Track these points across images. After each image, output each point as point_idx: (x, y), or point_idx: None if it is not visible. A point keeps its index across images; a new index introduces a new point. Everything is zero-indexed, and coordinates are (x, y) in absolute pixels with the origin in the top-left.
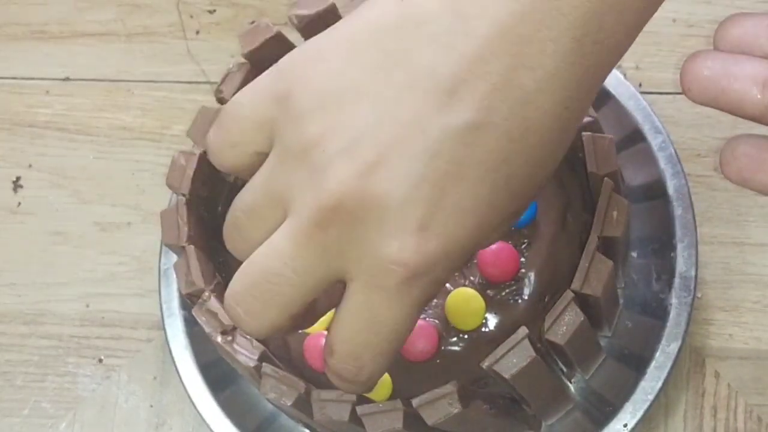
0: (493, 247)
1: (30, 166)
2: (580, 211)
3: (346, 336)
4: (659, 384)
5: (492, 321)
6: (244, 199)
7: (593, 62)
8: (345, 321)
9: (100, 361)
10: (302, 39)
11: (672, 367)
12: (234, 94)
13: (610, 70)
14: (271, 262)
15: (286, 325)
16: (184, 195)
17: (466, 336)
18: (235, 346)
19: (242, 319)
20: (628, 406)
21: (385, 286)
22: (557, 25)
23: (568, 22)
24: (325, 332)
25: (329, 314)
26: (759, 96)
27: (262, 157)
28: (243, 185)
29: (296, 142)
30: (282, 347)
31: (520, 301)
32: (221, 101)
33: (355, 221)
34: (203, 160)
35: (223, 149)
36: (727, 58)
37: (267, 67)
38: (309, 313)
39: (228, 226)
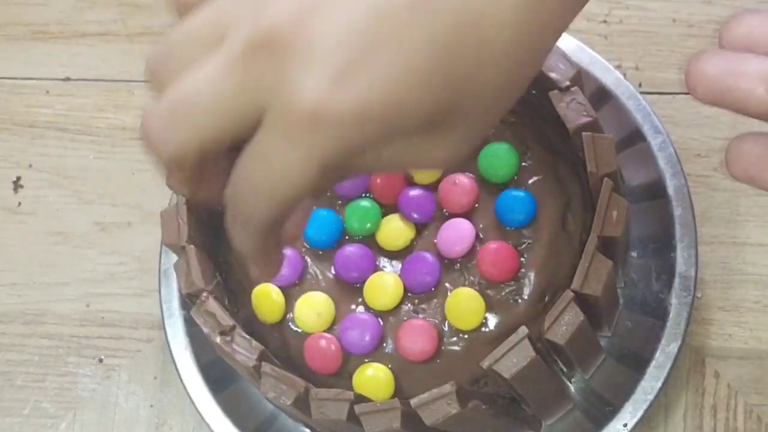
0: (493, 246)
1: (30, 166)
2: (580, 211)
3: (240, 165)
4: (659, 384)
5: (492, 321)
6: (185, 23)
7: None
8: (246, 152)
9: (101, 361)
10: None
11: (672, 367)
12: None
13: (574, 15)
14: (193, 83)
15: (192, 152)
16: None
17: (466, 336)
18: (234, 346)
19: (153, 134)
20: (628, 406)
21: (288, 127)
22: None
23: None
24: (326, 334)
25: (329, 315)
26: (763, 93)
27: None
28: None
29: None
30: (282, 347)
31: (520, 301)
32: None
33: (281, 55)
34: None
35: None
36: (732, 56)
37: None
38: (217, 167)
39: (158, 48)
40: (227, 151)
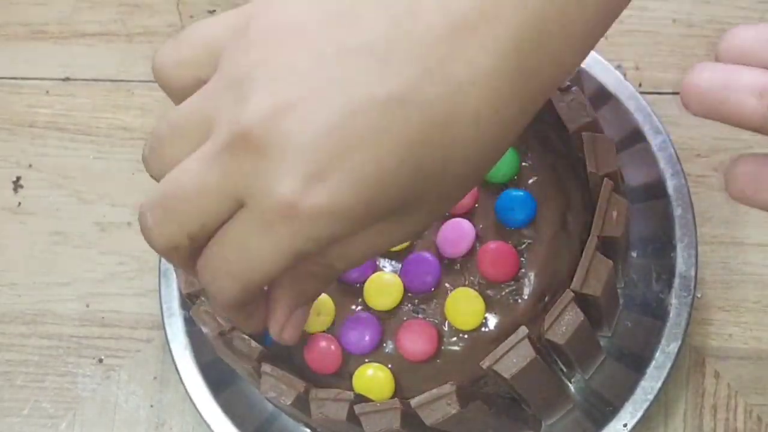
0: (493, 246)
1: (30, 166)
2: (580, 211)
3: (213, 246)
4: (659, 384)
5: (492, 321)
6: (172, 115)
7: (533, 71)
8: (219, 235)
9: (100, 361)
10: None
11: (672, 367)
12: None
13: (551, 88)
14: (180, 177)
15: (183, 243)
16: None
17: (466, 336)
18: (234, 346)
19: (149, 227)
20: (628, 406)
21: (264, 220)
22: (502, 23)
23: (512, 22)
24: (326, 335)
25: (329, 315)
26: (756, 105)
27: (201, 85)
28: None
29: (234, 68)
30: (282, 347)
31: (520, 301)
32: None
33: (259, 153)
34: None
35: (167, 65)
36: (725, 69)
37: None
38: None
39: (151, 140)
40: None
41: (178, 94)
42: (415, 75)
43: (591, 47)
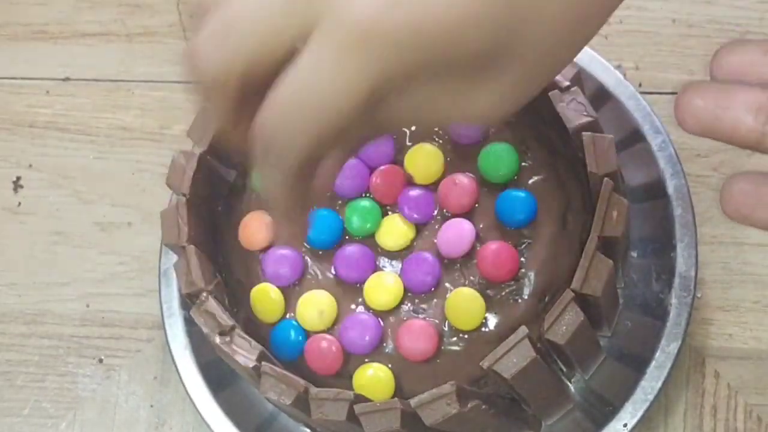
0: (493, 246)
1: (30, 166)
2: (580, 211)
3: (282, 86)
4: (659, 384)
5: (492, 321)
6: None
7: None
8: (288, 71)
9: (101, 361)
10: None
11: (672, 367)
12: None
13: None
14: (240, 1)
15: (237, 72)
16: (184, 195)
17: (466, 336)
18: (234, 346)
19: (198, 53)
20: (628, 406)
21: (340, 43)
22: None
23: None
24: (326, 335)
25: (331, 313)
26: (752, 122)
27: None
28: (243, 185)
29: None
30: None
31: (520, 301)
32: None
33: None
34: (203, 160)
35: None
36: (720, 87)
37: None
38: (256, 104)
39: None
40: (267, 87)
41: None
42: None
43: None
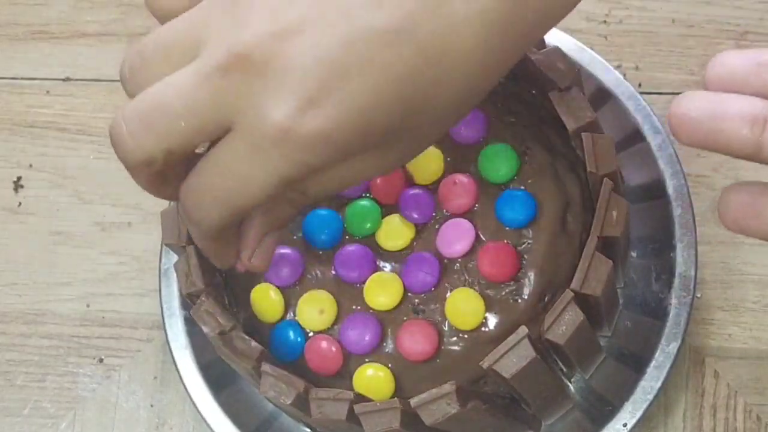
0: (493, 246)
1: (31, 166)
2: (580, 211)
3: (200, 170)
4: (659, 384)
5: (492, 321)
6: (160, 32)
7: (524, 14)
8: (207, 158)
9: (101, 361)
10: None
11: (671, 367)
12: None
13: (539, 33)
14: (166, 91)
15: (158, 158)
16: None
17: (466, 336)
18: (234, 346)
19: (123, 137)
20: (628, 406)
21: (255, 144)
22: None
23: None
24: (326, 335)
25: (332, 312)
26: (747, 133)
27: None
28: None
29: None
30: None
31: (520, 301)
32: None
33: (255, 75)
34: None
35: None
36: (713, 97)
37: None
38: (179, 172)
39: (132, 57)
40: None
41: (169, 17)
42: (415, 9)
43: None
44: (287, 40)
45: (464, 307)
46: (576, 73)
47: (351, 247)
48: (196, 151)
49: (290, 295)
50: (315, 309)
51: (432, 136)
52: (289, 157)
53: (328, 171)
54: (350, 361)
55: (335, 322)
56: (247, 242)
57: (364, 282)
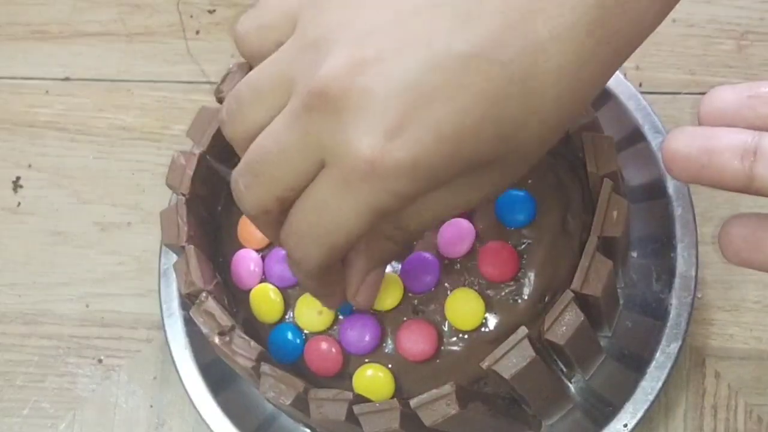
0: (493, 246)
1: (30, 166)
2: (580, 211)
3: (297, 209)
4: (659, 384)
5: (492, 321)
6: (252, 77)
7: (614, 27)
8: (302, 197)
9: (100, 361)
10: None
11: (672, 367)
12: None
13: (632, 46)
14: (264, 141)
15: (273, 207)
16: (183, 195)
17: (466, 336)
18: (233, 346)
19: (241, 192)
20: (628, 406)
21: (345, 179)
22: None
23: None
24: (326, 336)
25: (330, 313)
26: (738, 165)
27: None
28: None
29: (312, 29)
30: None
31: (520, 301)
32: (221, 101)
33: (337, 110)
34: (203, 160)
35: (250, 32)
36: (704, 132)
37: None
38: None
39: (230, 102)
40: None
41: (261, 59)
42: (496, 30)
43: (671, 6)
44: (361, 71)
45: (464, 307)
46: None
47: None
48: None
49: (290, 296)
50: (313, 310)
51: (528, 160)
52: (379, 187)
53: (422, 201)
54: (350, 361)
55: (334, 323)
56: (351, 279)
57: None
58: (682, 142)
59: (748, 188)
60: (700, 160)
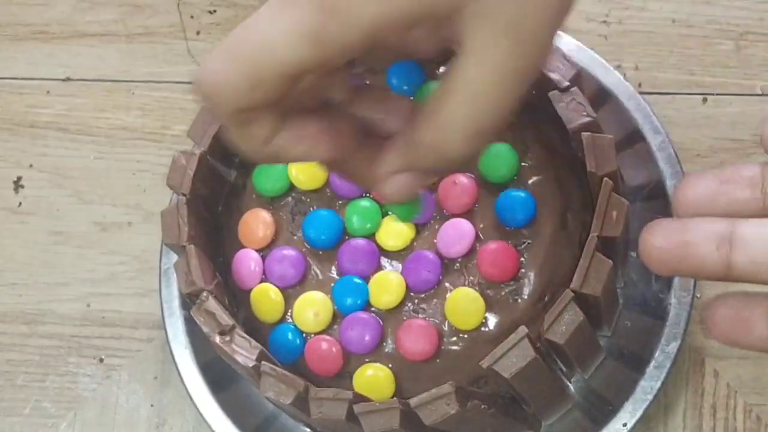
0: (493, 246)
1: (31, 166)
2: (580, 211)
3: (439, 114)
4: (659, 383)
5: (492, 321)
6: None
7: None
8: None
9: (101, 360)
10: None
11: (671, 367)
12: None
13: None
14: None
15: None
16: (184, 195)
17: (466, 336)
18: (234, 346)
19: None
20: (628, 406)
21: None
22: None
23: None
24: (326, 336)
25: (327, 315)
26: (716, 255)
27: None
28: (243, 185)
29: None
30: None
31: (520, 301)
32: None
33: None
34: (204, 160)
35: None
36: (678, 225)
37: None
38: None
39: None
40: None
41: None
42: None
43: None
44: None
45: (464, 307)
46: (576, 74)
47: (357, 241)
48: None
49: (290, 296)
50: (310, 311)
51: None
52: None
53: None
54: (350, 361)
55: (332, 324)
56: (386, 163)
57: (367, 277)
58: (659, 236)
59: (728, 276)
60: (678, 255)
